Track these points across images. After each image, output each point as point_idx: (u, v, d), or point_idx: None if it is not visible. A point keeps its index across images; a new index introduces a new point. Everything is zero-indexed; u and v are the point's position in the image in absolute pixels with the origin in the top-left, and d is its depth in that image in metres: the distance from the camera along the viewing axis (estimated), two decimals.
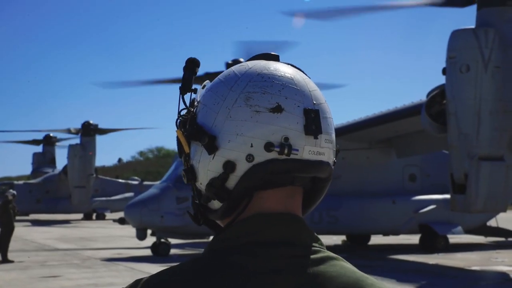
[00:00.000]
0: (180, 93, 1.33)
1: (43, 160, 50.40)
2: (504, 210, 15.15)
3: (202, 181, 1.28)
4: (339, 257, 1.27)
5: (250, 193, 1.26)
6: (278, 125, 1.24)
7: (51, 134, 50.24)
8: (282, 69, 1.30)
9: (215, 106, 1.27)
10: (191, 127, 1.28)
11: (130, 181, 46.16)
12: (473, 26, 14.22)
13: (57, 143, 51.02)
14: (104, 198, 42.78)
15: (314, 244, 1.27)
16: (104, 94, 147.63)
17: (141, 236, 19.33)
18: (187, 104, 1.34)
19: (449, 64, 13.99)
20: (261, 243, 1.23)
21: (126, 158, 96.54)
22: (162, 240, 18.94)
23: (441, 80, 14.68)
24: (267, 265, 1.21)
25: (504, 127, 13.87)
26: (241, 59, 24.01)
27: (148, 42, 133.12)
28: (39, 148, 51.82)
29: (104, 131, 41.36)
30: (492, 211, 17.01)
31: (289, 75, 1.29)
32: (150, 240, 19.49)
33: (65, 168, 41.49)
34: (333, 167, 1.32)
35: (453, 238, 21.47)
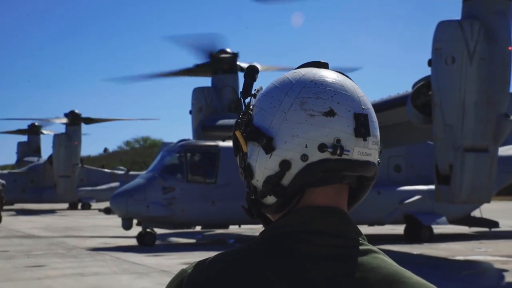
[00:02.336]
0: (242, 98, 1.44)
1: (28, 149, 50.09)
2: (488, 201, 15.27)
3: (259, 178, 1.39)
4: (380, 251, 1.39)
5: (303, 190, 1.37)
6: (331, 128, 1.35)
7: (36, 123, 49.94)
8: (332, 76, 1.41)
9: (272, 110, 1.38)
10: (249, 128, 1.39)
11: (116, 171, 46.01)
12: (459, 18, 14.28)
13: (42, 132, 50.73)
14: (89, 188, 42.64)
15: (358, 238, 1.38)
16: (91, 85, 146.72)
17: (127, 226, 19.30)
18: (244, 107, 1.44)
19: (434, 55, 14.04)
20: (311, 231, 1.35)
21: (112, 148, 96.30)
22: (148, 230, 18.93)
23: (427, 71, 14.76)
24: (317, 251, 1.33)
25: (488, 119, 13.96)
26: (228, 49, 23.96)
27: (141, 36, 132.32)
28: (24, 138, 51.52)
29: (89, 121, 41.16)
30: (476, 202, 17.14)
31: (339, 82, 1.40)
32: (136, 230, 19.48)
33: (50, 157, 41.28)
34: (377, 166, 1.44)
35: (438, 229, 21.64)
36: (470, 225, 22.07)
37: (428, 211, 19.96)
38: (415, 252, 17.03)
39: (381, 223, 20.68)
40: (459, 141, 13.84)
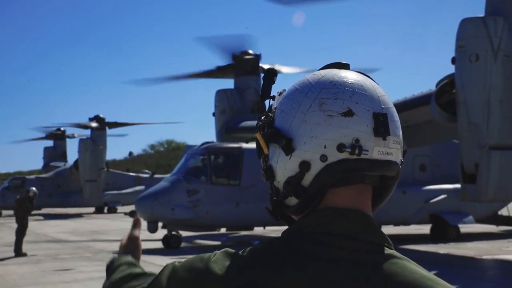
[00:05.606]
0: (261, 100, 1.46)
1: (54, 154, 50.64)
2: None
3: (280, 180, 1.40)
4: (404, 257, 1.34)
5: (324, 190, 1.37)
6: (349, 128, 1.34)
7: (62, 129, 50.46)
8: (352, 76, 1.41)
9: (292, 111, 1.39)
10: (269, 130, 1.40)
11: (141, 174, 46.28)
12: (482, 15, 14.14)
13: (68, 137, 51.25)
14: (115, 192, 42.94)
15: (379, 242, 1.35)
16: (113, 89, 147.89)
17: (152, 228, 19.41)
18: (266, 109, 1.45)
19: (458, 53, 13.92)
20: (328, 233, 1.34)
21: (136, 151, 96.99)
22: (173, 232, 19.02)
23: (450, 69, 14.63)
24: (331, 253, 1.32)
25: None
26: (250, 51, 23.98)
27: (155, 37, 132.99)
28: (50, 143, 52.10)
29: (114, 125, 41.48)
30: (502, 201, 16.96)
31: (359, 82, 1.40)
32: (161, 232, 19.57)
33: (76, 162, 41.68)
34: (401, 166, 1.42)
35: (464, 228, 21.43)
36: (497, 224, 21.83)
37: (454, 210, 19.77)
38: (441, 252, 16.88)
39: (407, 223, 20.52)
40: (485, 139, 13.70)
